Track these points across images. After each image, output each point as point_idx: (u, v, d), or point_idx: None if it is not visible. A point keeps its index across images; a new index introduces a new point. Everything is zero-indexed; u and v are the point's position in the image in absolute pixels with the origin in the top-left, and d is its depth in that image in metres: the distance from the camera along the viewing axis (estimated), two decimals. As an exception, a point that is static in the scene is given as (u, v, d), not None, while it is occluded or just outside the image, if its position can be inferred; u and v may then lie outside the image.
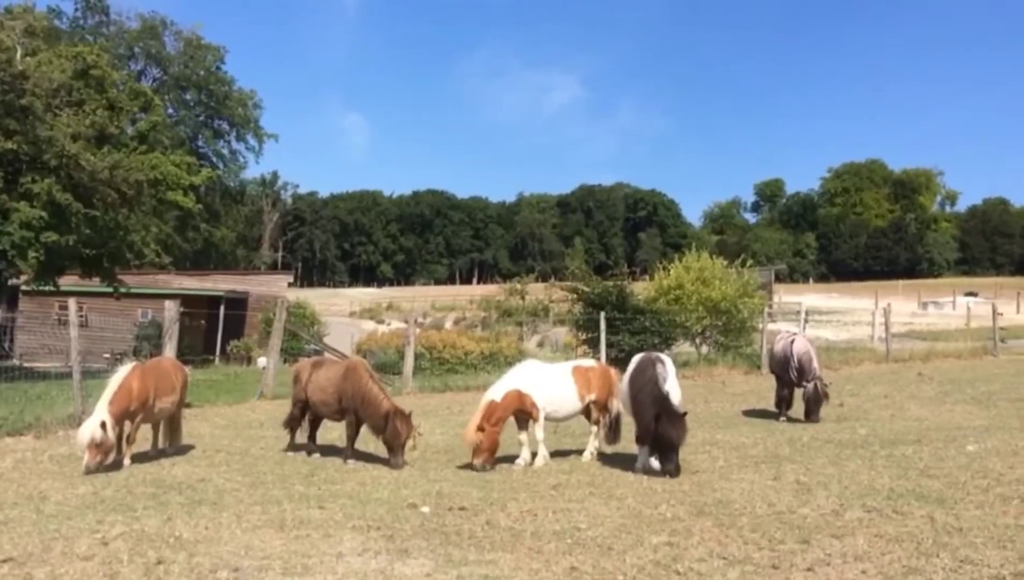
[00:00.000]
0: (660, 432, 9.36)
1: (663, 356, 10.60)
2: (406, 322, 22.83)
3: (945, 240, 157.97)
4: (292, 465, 10.50)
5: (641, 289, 28.12)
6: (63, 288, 28.52)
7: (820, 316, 50.24)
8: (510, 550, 6.56)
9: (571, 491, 8.79)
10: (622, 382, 10.66)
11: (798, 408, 14.43)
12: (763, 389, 17.72)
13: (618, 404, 10.90)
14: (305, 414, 11.52)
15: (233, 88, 67.02)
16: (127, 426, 10.29)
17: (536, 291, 54.11)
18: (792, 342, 14.75)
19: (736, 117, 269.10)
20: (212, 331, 35.54)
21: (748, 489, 8.65)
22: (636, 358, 10.57)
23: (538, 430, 10.47)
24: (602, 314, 21.83)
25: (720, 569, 6.05)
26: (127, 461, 10.23)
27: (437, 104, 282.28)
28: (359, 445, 11.02)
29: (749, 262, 28.63)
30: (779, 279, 79.01)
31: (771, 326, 25.64)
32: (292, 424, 11.58)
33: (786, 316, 42.11)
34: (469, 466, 10.06)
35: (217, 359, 33.19)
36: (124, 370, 10.36)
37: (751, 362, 23.28)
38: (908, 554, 6.29)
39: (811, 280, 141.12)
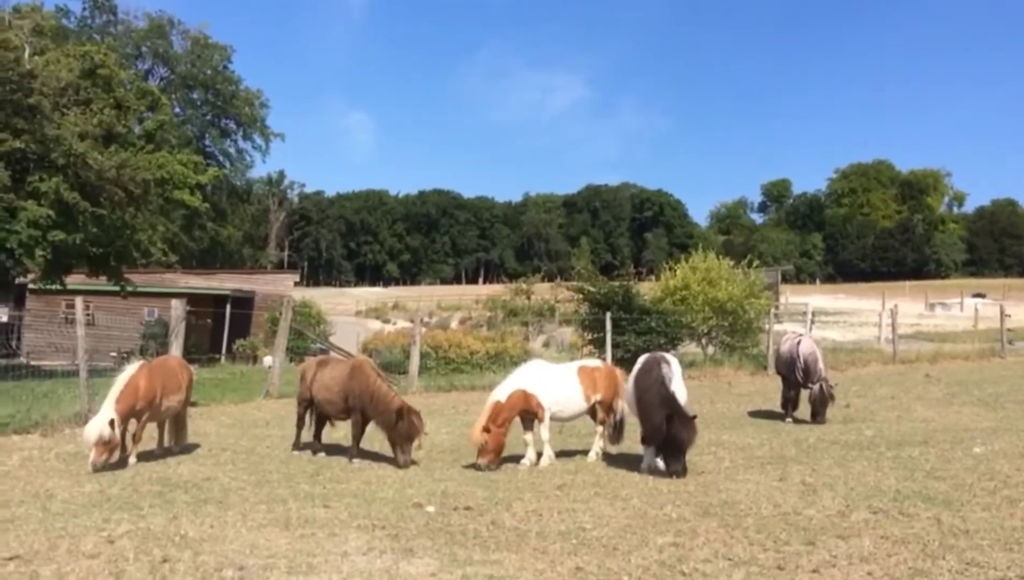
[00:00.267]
0: (672, 434, 9.34)
1: (669, 356, 10.59)
2: (412, 322, 22.81)
3: (953, 241, 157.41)
4: (297, 464, 10.52)
5: (647, 289, 28.12)
6: (70, 287, 28.57)
7: (827, 317, 50.12)
8: (515, 550, 6.55)
9: (576, 491, 8.78)
10: (627, 382, 10.66)
11: (804, 409, 14.41)
12: (769, 390, 17.69)
13: (623, 405, 10.89)
14: (308, 413, 11.55)
15: (240, 87, 67.18)
16: (133, 424, 10.32)
17: (542, 291, 54.14)
18: (798, 343, 14.71)
19: (743, 117, 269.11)
20: (218, 330, 35.57)
21: (754, 490, 8.63)
22: (642, 358, 10.56)
23: (543, 430, 10.46)
24: (608, 314, 21.82)
25: (725, 570, 6.03)
26: (133, 459, 10.26)
27: (442, 104, 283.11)
28: (364, 444, 11.03)
29: (756, 263, 28.61)
30: (786, 280, 78.81)
31: (777, 327, 25.62)
32: (301, 424, 11.60)
33: (792, 317, 42.04)
34: (474, 466, 10.06)
35: (223, 358, 33.22)
36: (131, 369, 10.39)
37: (757, 363, 23.24)
38: (914, 556, 6.27)
39: (818, 281, 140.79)
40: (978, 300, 64.75)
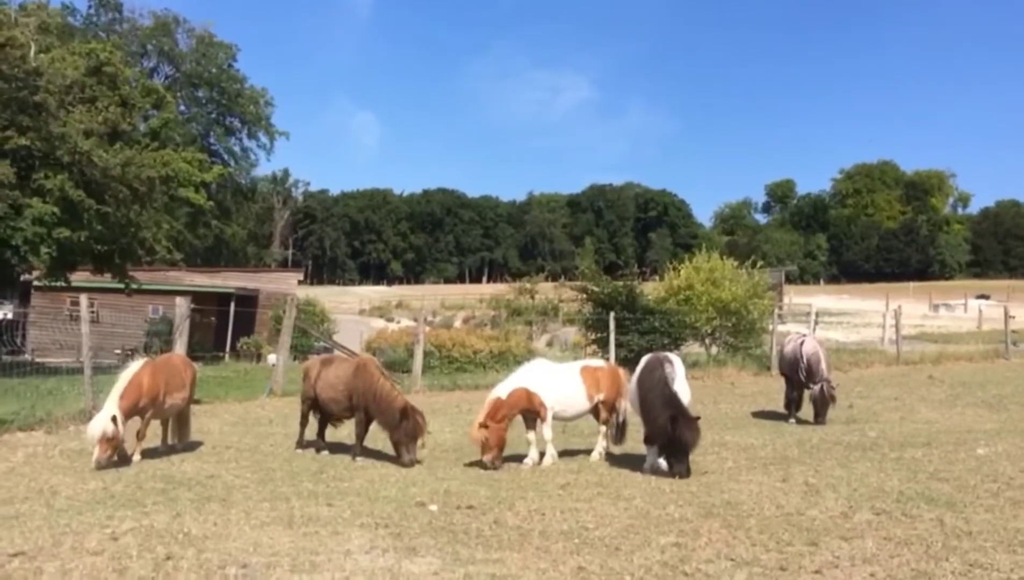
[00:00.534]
0: (677, 435, 9.34)
1: (673, 356, 10.59)
2: (416, 320, 22.81)
3: (957, 242, 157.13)
4: (301, 462, 10.53)
5: (651, 289, 28.10)
6: (75, 284, 28.62)
7: (831, 318, 50.10)
8: (518, 549, 6.56)
9: (579, 491, 8.79)
10: (631, 382, 10.65)
11: (807, 410, 14.39)
12: (772, 390, 17.67)
13: (626, 404, 10.89)
14: (312, 411, 11.58)
15: (245, 86, 67.12)
16: (137, 421, 10.35)
17: (546, 290, 54.08)
18: (802, 343, 14.71)
19: (747, 117, 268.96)
20: (222, 328, 35.60)
21: (756, 491, 8.63)
22: (645, 358, 10.56)
23: (546, 429, 10.46)
24: (611, 314, 21.81)
25: (728, 570, 6.03)
26: (137, 457, 10.29)
27: (447, 103, 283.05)
28: (368, 443, 11.04)
29: (759, 263, 28.55)
30: (789, 280, 78.81)
31: (781, 328, 25.58)
32: (305, 422, 11.62)
33: (796, 317, 41.97)
34: (478, 463, 10.07)
35: (227, 356, 33.24)
36: (135, 366, 10.42)
37: (760, 363, 23.21)
38: (917, 557, 6.27)
39: (822, 281, 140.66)
40: (982, 301, 64.69)
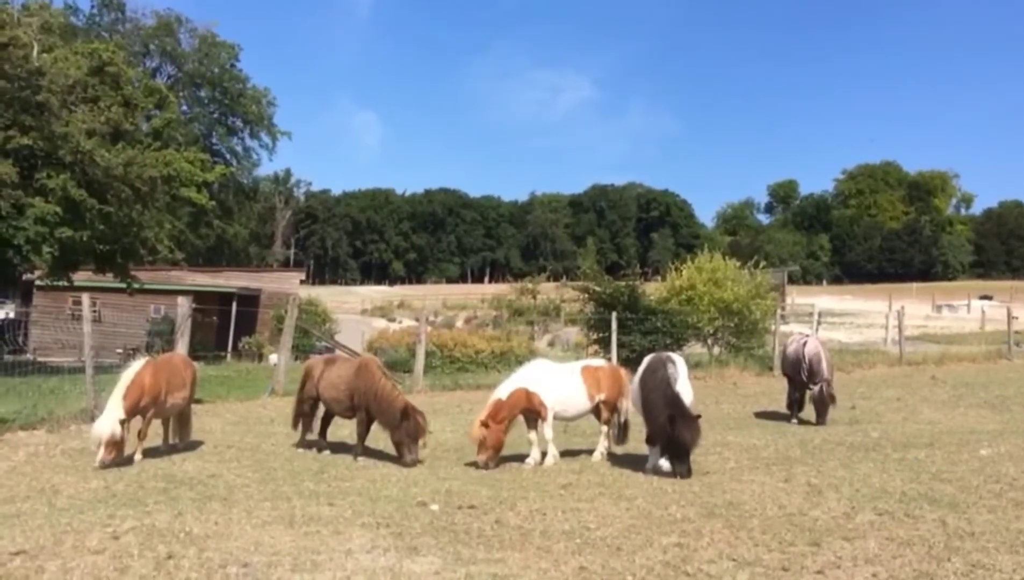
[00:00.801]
0: (675, 434, 9.33)
1: (675, 356, 10.59)
2: (417, 320, 22.84)
3: (960, 243, 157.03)
4: (302, 462, 10.53)
5: (653, 289, 28.09)
6: (77, 283, 28.62)
7: (833, 318, 50.08)
8: (519, 549, 6.55)
9: (581, 491, 8.78)
10: (633, 382, 10.65)
11: (810, 410, 14.38)
12: (775, 391, 17.65)
13: (628, 404, 10.88)
14: (315, 411, 11.59)
15: (247, 85, 67.12)
16: (138, 421, 10.34)
17: (548, 290, 54.08)
18: (804, 344, 14.71)
19: (749, 117, 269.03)
20: (224, 328, 35.61)
21: (759, 491, 8.62)
22: (648, 358, 10.55)
23: (546, 429, 10.45)
24: (614, 314, 21.80)
25: (730, 571, 6.02)
26: (139, 456, 10.28)
27: (449, 103, 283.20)
28: (369, 442, 11.04)
29: (762, 263, 28.52)
30: (792, 281, 78.69)
31: (784, 328, 25.55)
32: (298, 418, 11.65)
33: (799, 318, 41.94)
34: (474, 463, 10.08)
35: (229, 355, 33.27)
36: (136, 365, 10.42)
37: (763, 364, 23.19)
38: (919, 558, 6.25)
39: (824, 282, 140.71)
40: (985, 302, 64.57)
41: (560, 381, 10.67)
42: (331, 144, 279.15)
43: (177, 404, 10.91)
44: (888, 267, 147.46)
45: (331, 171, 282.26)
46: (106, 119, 26.94)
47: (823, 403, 13.95)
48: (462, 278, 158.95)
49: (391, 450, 10.66)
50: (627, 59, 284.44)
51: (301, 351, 26.70)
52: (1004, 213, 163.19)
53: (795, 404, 14.79)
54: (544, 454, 10.46)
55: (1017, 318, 30.18)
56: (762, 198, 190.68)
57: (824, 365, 14.11)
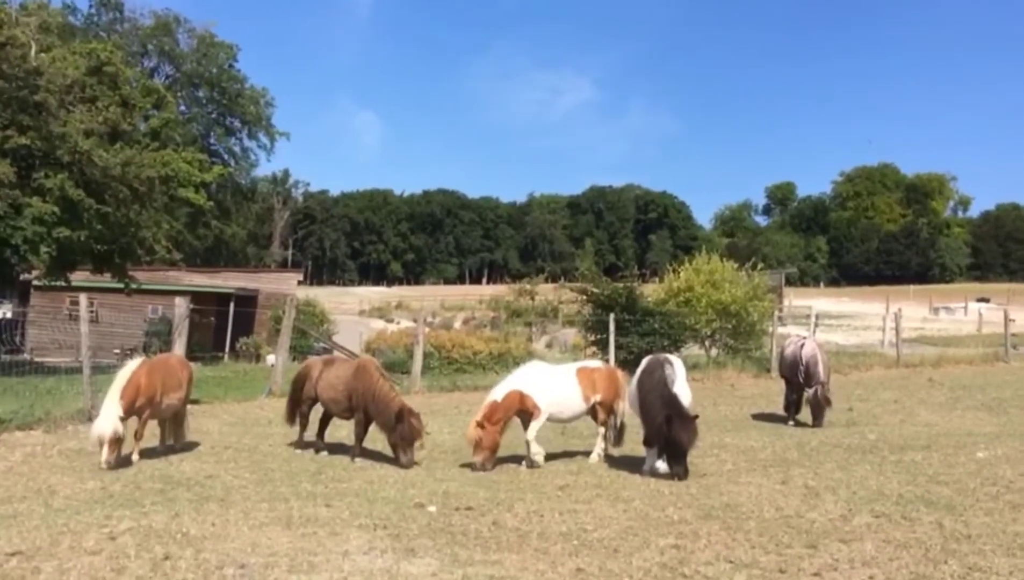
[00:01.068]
0: (672, 435, 9.33)
1: (673, 358, 10.60)
2: (415, 321, 22.82)
3: (957, 245, 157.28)
4: (300, 463, 10.52)
5: (651, 291, 28.08)
6: (74, 283, 28.61)
7: (831, 320, 50.00)
8: (516, 551, 6.55)
9: (578, 493, 8.78)
10: (631, 384, 10.65)
11: (807, 412, 14.39)
12: (772, 393, 17.66)
13: (624, 406, 10.87)
14: (311, 411, 11.60)
15: (245, 86, 67.06)
16: (134, 421, 10.32)
17: (546, 292, 54.11)
18: (802, 346, 14.72)
19: (748, 119, 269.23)
20: (222, 328, 35.57)
21: (756, 493, 8.62)
22: (646, 360, 10.56)
23: (531, 428, 10.34)
24: (611, 316, 21.80)
25: (727, 572, 6.03)
26: (136, 457, 10.27)
27: (448, 104, 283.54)
28: (367, 444, 11.03)
29: (759, 265, 28.53)
30: (789, 283, 78.80)
31: (781, 330, 25.56)
32: (292, 414, 11.69)
33: (796, 320, 41.95)
34: (470, 465, 10.07)
35: (226, 356, 33.22)
36: (131, 365, 10.38)
37: (760, 365, 23.21)
38: (916, 560, 6.26)
39: (822, 284, 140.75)
40: (982, 305, 64.69)
41: (555, 383, 10.67)
42: (330, 144, 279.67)
43: (173, 405, 10.88)
44: (885, 269, 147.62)
45: (330, 171, 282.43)
46: (104, 119, 26.92)
47: (819, 406, 13.96)
48: (460, 279, 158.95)
49: (389, 451, 10.65)
50: (627, 59, 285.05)
51: (299, 352, 26.67)
52: (1001, 216, 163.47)
53: (792, 406, 14.80)
54: (544, 456, 10.44)
55: (1014, 321, 30.24)
56: (760, 200, 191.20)
57: (820, 368, 14.11)
